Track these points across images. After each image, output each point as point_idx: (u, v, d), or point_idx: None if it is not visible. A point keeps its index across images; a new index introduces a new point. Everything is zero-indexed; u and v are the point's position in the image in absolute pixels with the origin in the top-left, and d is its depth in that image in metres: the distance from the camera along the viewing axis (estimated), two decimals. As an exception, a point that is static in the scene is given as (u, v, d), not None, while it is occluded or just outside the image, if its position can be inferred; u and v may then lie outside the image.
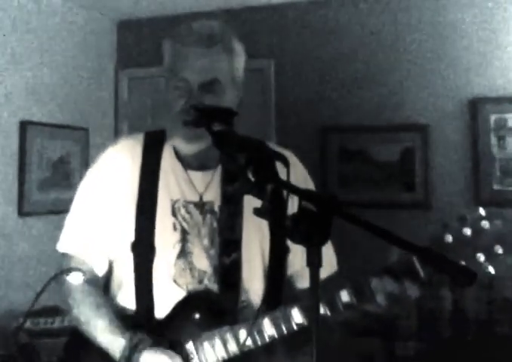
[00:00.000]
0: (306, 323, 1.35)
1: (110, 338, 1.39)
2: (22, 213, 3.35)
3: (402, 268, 1.32)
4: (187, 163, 1.50)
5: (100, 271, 1.52)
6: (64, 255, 1.53)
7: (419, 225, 3.23)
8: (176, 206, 1.47)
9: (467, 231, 1.26)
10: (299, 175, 1.56)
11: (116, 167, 1.51)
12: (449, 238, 1.27)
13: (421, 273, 1.29)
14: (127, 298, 1.48)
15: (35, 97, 3.47)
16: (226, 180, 1.48)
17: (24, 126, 3.38)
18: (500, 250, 1.23)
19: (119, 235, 1.47)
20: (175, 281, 1.45)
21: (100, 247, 1.50)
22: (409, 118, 3.48)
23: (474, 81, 3.37)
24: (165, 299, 1.43)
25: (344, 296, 1.36)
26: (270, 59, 3.76)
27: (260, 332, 1.36)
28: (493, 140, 3.32)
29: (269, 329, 1.36)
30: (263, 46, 3.73)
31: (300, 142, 3.56)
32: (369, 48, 3.58)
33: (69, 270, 1.44)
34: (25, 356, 2.73)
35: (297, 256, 1.50)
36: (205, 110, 1.29)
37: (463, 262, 1.26)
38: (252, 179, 1.08)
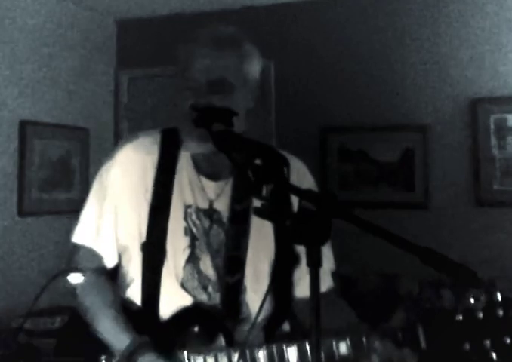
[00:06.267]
0: None
1: (114, 337, 1.40)
2: (22, 213, 3.35)
3: (404, 333, 1.30)
4: (201, 170, 1.50)
5: (110, 264, 1.53)
6: (75, 246, 1.54)
7: (419, 225, 3.23)
8: (188, 211, 1.47)
9: (480, 314, 1.25)
10: (305, 181, 1.55)
11: (132, 166, 1.50)
12: (460, 316, 1.26)
13: (423, 343, 1.28)
14: (134, 294, 1.49)
15: (35, 97, 3.47)
16: (237, 194, 1.48)
17: (24, 126, 3.38)
18: (508, 341, 1.23)
19: (131, 233, 1.48)
20: (182, 285, 1.45)
21: (110, 242, 1.50)
22: (409, 118, 3.48)
23: (474, 81, 3.37)
24: (171, 302, 1.44)
25: (343, 348, 1.32)
26: (270, 59, 3.76)
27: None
28: (493, 140, 3.32)
29: (263, 361, 1.34)
30: (263, 46, 3.71)
31: (300, 142, 3.56)
32: (369, 48, 3.58)
33: (69, 270, 1.44)
34: (25, 356, 2.73)
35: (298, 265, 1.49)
36: (204, 110, 1.29)
37: (467, 345, 1.25)
38: (252, 179, 1.09)
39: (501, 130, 3.32)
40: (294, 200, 1.04)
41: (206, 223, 1.47)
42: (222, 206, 1.48)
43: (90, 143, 3.80)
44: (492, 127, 3.32)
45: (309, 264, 0.99)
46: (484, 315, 1.24)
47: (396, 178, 3.50)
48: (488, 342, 1.23)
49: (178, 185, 1.48)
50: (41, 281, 1.42)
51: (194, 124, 1.29)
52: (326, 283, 1.53)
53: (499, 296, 1.25)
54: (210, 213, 1.48)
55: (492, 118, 3.32)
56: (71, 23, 3.76)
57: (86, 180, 3.75)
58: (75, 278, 1.44)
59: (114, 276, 1.55)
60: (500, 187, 3.30)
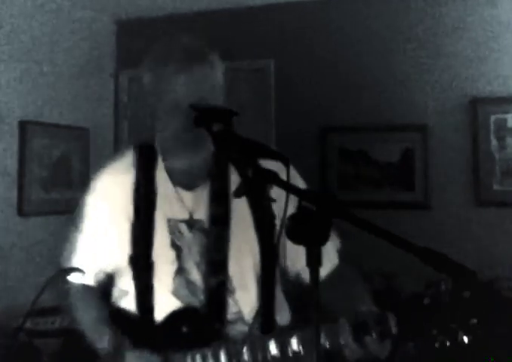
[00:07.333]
0: (280, 357, 1.36)
1: (96, 336, 1.49)
2: (22, 213, 3.35)
3: (375, 323, 1.31)
4: (177, 181, 1.52)
5: (96, 282, 1.61)
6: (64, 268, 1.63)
7: (419, 225, 3.23)
8: (170, 224, 1.51)
9: (446, 298, 1.26)
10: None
11: (109, 190, 1.56)
12: (427, 300, 1.28)
13: (394, 330, 1.29)
14: (129, 305, 1.54)
15: (34, 97, 3.47)
16: (214, 199, 1.51)
17: (24, 126, 3.38)
18: (475, 321, 1.23)
19: (117, 252, 1.52)
20: (174, 294, 1.49)
21: (91, 264, 1.58)
22: (409, 118, 3.48)
23: (474, 81, 3.37)
24: (165, 309, 1.48)
25: (322, 338, 1.34)
26: (270, 59, 3.76)
27: (239, 356, 1.38)
28: (493, 140, 3.32)
29: (246, 355, 1.38)
30: (263, 46, 3.73)
31: (300, 142, 3.56)
32: (369, 48, 3.58)
33: (69, 270, 1.45)
34: (25, 356, 2.73)
35: (298, 254, 1.49)
36: (204, 110, 1.29)
37: (434, 330, 1.26)
38: (251, 179, 1.09)
39: (501, 130, 3.32)
40: (294, 200, 1.05)
41: (189, 233, 1.50)
42: (202, 214, 1.51)
43: (91, 143, 3.80)
44: (492, 127, 3.32)
45: (309, 264, 0.99)
46: (451, 298, 1.25)
47: (396, 178, 3.50)
48: (455, 325, 1.24)
49: (158, 199, 1.52)
50: (41, 281, 1.42)
51: (194, 123, 1.29)
52: (331, 262, 1.55)
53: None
54: (191, 223, 1.50)
55: (492, 118, 3.32)
56: (71, 22, 3.76)
57: (86, 180, 3.75)
58: (75, 278, 1.46)
59: (110, 288, 1.61)
60: (500, 187, 3.30)
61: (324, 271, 1.39)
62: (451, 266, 0.94)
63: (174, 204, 1.50)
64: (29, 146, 3.40)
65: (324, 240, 0.99)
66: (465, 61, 3.39)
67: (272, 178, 1.10)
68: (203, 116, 1.28)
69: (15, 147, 3.34)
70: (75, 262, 1.60)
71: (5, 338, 2.70)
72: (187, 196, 1.51)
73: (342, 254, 1.59)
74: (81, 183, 3.71)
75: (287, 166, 1.10)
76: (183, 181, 1.52)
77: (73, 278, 1.52)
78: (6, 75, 3.31)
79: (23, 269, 3.27)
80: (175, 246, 1.50)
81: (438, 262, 0.94)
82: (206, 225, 1.50)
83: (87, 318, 1.56)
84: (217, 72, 1.48)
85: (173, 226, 1.50)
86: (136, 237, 1.50)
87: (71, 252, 1.61)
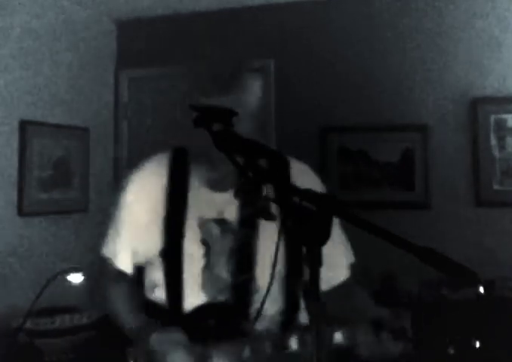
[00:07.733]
0: (297, 353, 1.39)
1: (128, 319, 1.57)
2: (22, 213, 3.35)
3: (392, 324, 1.34)
4: (210, 183, 1.58)
5: (128, 271, 1.66)
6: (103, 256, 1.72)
7: (419, 225, 3.24)
8: (201, 222, 1.56)
9: (464, 307, 1.27)
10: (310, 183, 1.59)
11: (144, 187, 1.62)
12: (445, 309, 1.28)
13: (409, 332, 1.32)
14: (160, 296, 1.59)
15: (34, 97, 3.47)
16: (244, 201, 1.54)
17: (24, 126, 3.38)
18: (477, 344, 1.23)
19: (149, 248, 1.58)
20: (202, 289, 1.54)
21: (126, 255, 1.64)
22: (409, 118, 3.48)
23: (474, 81, 3.37)
24: (193, 303, 1.53)
25: (338, 337, 1.39)
26: (270, 59, 3.76)
27: (260, 352, 1.41)
28: (493, 140, 3.32)
29: (267, 351, 1.41)
30: (263, 46, 3.73)
31: (300, 142, 3.56)
32: (369, 48, 3.58)
33: (69, 270, 1.46)
34: (25, 356, 2.73)
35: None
36: (204, 110, 1.29)
37: (447, 338, 1.27)
38: (252, 179, 1.09)
39: (501, 130, 3.32)
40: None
41: (218, 232, 1.56)
42: (232, 214, 1.56)
43: (91, 143, 3.80)
44: (492, 127, 3.33)
45: (309, 264, 0.99)
46: (468, 308, 1.26)
47: (396, 178, 3.51)
48: (451, 349, 1.25)
49: (190, 198, 1.58)
50: (41, 281, 1.42)
51: (194, 124, 1.29)
52: (343, 274, 1.62)
53: (481, 290, 1.27)
54: (221, 222, 1.56)
55: (492, 118, 3.33)
56: (71, 22, 3.76)
57: (86, 180, 3.76)
58: (75, 278, 1.47)
59: (141, 280, 1.68)
60: (500, 187, 3.30)
61: (335, 281, 1.55)
62: (451, 266, 0.94)
63: (206, 203, 1.56)
64: (29, 146, 3.40)
65: (324, 240, 1.00)
66: (465, 61, 3.40)
67: (272, 178, 1.10)
68: (203, 116, 1.28)
69: (15, 147, 3.35)
70: (114, 253, 1.65)
71: (5, 339, 2.70)
72: (219, 197, 1.57)
73: (354, 268, 1.64)
74: (81, 183, 3.72)
75: (287, 166, 1.10)
76: (216, 183, 1.57)
77: (73, 278, 1.53)
78: (6, 75, 3.31)
79: (23, 269, 3.27)
80: (204, 243, 1.55)
81: (438, 262, 0.94)
82: (235, 225, 1.56)
83: (122, 303, 1.63)
84: (248, 97, 1.56)
85: (203, 224, 1.56)
86: (167, 232, 1.56)
87: (109, 244, 1.67)
